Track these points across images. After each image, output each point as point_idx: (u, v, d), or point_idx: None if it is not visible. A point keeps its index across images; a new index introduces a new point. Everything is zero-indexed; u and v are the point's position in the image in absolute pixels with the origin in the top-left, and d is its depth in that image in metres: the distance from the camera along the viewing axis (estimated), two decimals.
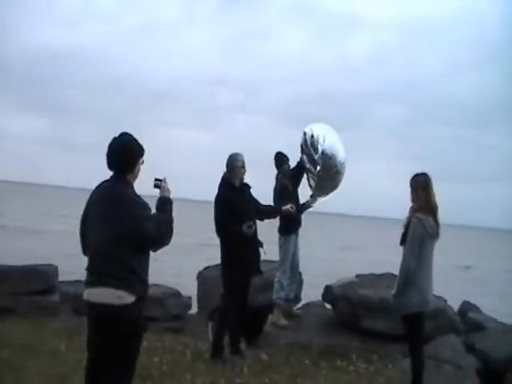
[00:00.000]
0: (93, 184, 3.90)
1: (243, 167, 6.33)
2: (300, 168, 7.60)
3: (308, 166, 7.48)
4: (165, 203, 3.88)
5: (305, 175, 7.59)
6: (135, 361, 3.74)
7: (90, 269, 3.74)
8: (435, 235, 5.11)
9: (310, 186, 7.60)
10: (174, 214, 3.88)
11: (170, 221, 3.80)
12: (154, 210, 3.81)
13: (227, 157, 6.35)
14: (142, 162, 3.85)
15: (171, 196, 3.95)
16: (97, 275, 3.66)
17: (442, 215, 5.18)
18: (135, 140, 3.81)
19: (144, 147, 3.85)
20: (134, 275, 3.62)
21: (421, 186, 5.13)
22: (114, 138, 3.78)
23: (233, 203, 6.12)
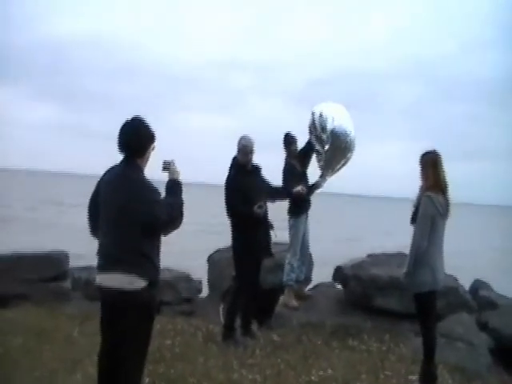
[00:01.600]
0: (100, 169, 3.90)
1: (252, 150, 6.31)
2: (308, 149, 7.56)
3: (317, 146, 7.44)
4: (174, 186, 3.87)
5: (314, 156, 7.56)
6: (148, 344, 3.75)
7: (101, 253, 3.74)
8: (445, 213, 5.07)
9: (320, 166, 7.57)
10: (185, 197, 3.87)
11: (180, 203, 3.80)
12: (163, 194, 3.80)
13: (238, 140, 6.33)
14: (153, 147, 3.84)
15: (180, 178, 3.94)
16: (108, 260, 3.67)
17: (454, 193, 5.14)
18: (147, 125, 3.79)
19: (155, 133, 3.82)
20: (145, 259, 3.62)
21: (430, 164, 5.07)
22: (126, 122, 3.76)
23: (243, 185, 6.13)
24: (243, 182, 6.17)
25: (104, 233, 3.73)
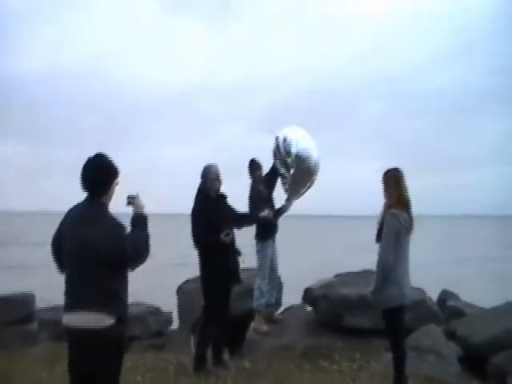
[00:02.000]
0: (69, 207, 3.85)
1: (218, 179, 6.34)
2: (273, 173, 7.64)
3: (282, 171, 7.52)
4: (139, 219, 3.84)
5: (279, 180, 7.64)
6: (117, 382, 3.70)
7: (68, 293, 3.68)
8: (410, 229, 5.16)
9: (285, 190, 7.65)
10: (153, 229, 3.86)
11: (146, 237, 3.77)
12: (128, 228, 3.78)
13: (202, 169, 6.36)
14: (117, 183, 3.82)
15: (145, 211, 3.90)
16: (75, 299, 3.62)
17: (422, 206, 5.26)
18: (109, 161, 3.77)
19: (118, 168, 3.80)
20: (112, 296, 3.59)
21: (392, 181, 5.17)
22: (88, 160, 3.74)
23: (209, 214, 6.13)
24: (209, 210, 6.18)
25: (69, 272, 3.68)
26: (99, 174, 3.71)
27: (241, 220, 6.62)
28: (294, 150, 7.27)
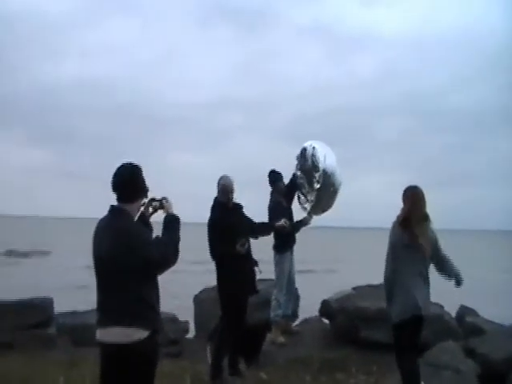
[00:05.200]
0: (98, 212, 3.88)
1: (233, 189, 6.38)
2: (293, 184, 7.66)
3: (302, 181, 7.54)
4: (171, 221, 3.84)
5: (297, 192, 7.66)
6: None
7: (99, 308, 3.69)
8: (413, 245, 5.15)
9: (300, 202, 7.65)
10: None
11: (176, 240, 3.74)
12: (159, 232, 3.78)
13: (218, 179, 6.41)
14: (144, 203, 3.86)
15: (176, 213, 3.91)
16: (107, 314, 3.61)
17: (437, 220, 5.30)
18: (143, 177, 3.80)
19: (148, 188, 3.84)
20: (144, 308, 3.57)
21: (406, 198, 5.29)
22: (123, 165, 3.77)
23: (225, 225, 6.15)
24: (225, 221, 6.20)
25: (100, 287, 3.68)
26: (131, 178, 3.73)
27: (257, 229, 6.63)
28: (321, 166, 7.24)
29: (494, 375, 6.59)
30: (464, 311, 8.84)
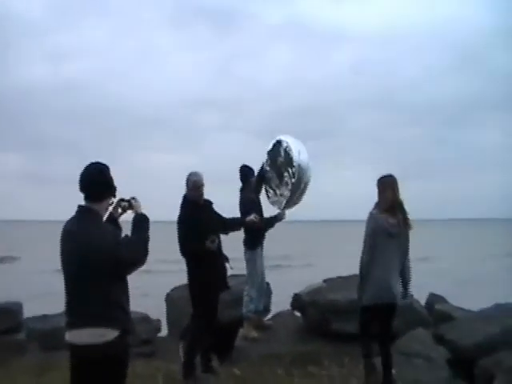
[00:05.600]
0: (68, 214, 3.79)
1: (203, 185, 6.35)
2: (261, 177, 7.65)
3: (270, 175, 7.54)
4: (140, 221, 3.82)
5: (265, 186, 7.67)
6: None
7: (68, 310, 3.64)
8: (393, 233, 5.27)
9: (269, 197, 7.65)
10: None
11: (145, 239, 3.71)
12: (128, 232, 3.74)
13: (186, 176, 6.36)
14: (112, 202, 3.81)
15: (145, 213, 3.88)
16: (76, 316, 3.57)
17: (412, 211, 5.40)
18: (109, 172, 3.76)
19: (116, 187, 3.79)
20: (114, 307, 3.54)
21: (383, 186, 5.38)
22: (91, 163, 3.74)
23: (195, 221, 6.13)
24: (194, 218, 6.17)
25: (68, 288, 3.64)
26: (99, 177, 3.70)
27: (227, 225, 6.63)
28: (296, 160, 7.21)
29: (464, 361, 6.71)
30: (433, 299, 8.98)
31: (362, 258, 5.37)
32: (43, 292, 17.07)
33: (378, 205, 5.36)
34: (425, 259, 28.05)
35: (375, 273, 5.28)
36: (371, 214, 5.33)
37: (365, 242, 5.35)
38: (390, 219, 5.25)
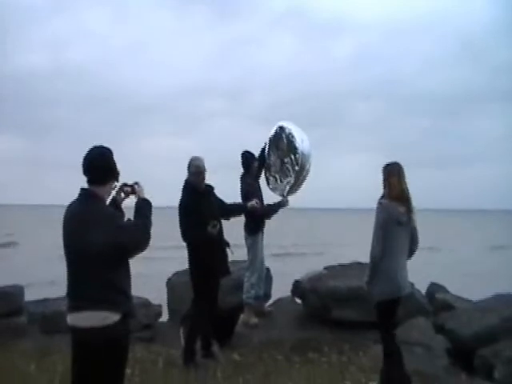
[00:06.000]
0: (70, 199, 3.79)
1: (205, 170, 6.32)
2: (262, 163, 7.64)
3: (272, 161, 7.52)
4: (143, 206, 3.81)
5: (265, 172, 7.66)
6: (123, 377, 3.69)
7: (70, 293, 3.63)
8: (403, 222, 5.14)
9: (269, 183, 7.64)
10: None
11: (147, 224, 3.71)
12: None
13: (188, 161, 6.34)
14: (115, 186, 3.81)
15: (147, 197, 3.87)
16: (78, 299, 3.56)
17: (416, 201, 5.28)
18: (113, 160, 3.74)
19: (119, 171, 3.76)
20: (115, 292, 3.53)
21: (389, 174, 5.23)
22: (94, 147, 3.72)
23: (197, 207, 6.11)
24: (196, 203, 6.16)
25: (70, 271, 3.63)
26: (102, 160, 3.67)
27: (228, 211, 6.63)
28: (300, 148, 7.20)
29: (463, 350, 6.74)
30: (434, 288, 8.99)
31: (373, 249, 5.11)
32: (42, 279, 17.10)
33: (385, 193, 5.21)
34: (430, 249, 28.11)
35: (387, 265, 5.09)
36: (381, 203, 5.15)
37: (376, 232, 5.12)
38: (399, 207, 5.13)
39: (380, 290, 5.14)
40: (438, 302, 8.28)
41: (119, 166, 3.79)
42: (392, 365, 5.15)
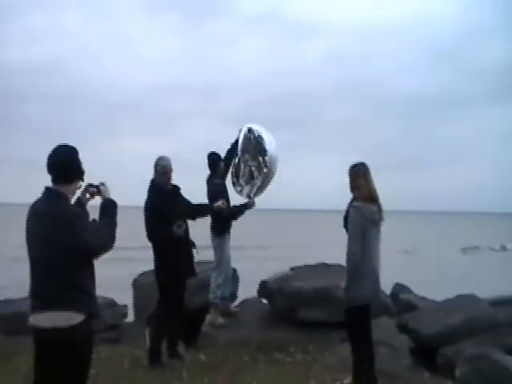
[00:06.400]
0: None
1: (171, 170, 6.30)
2: (228, 164, 7.65)
3: (239, 162, 7.53)
4: (108, 206, 3.80)
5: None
6: (87, 379, 3.64)
7: (33, 293, 3.58)
8: (377, 221, 5.11)
9: (234, 184, 7.66)
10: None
11: (113, 225, 3.70)
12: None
13: (155, 160, 6.30)
14: (80, 186, 3.77)
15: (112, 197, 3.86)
16: (42, 298, 3.51)
17: (385, 202, 5.26)
18: (79, 158, 3.70)
19: (84, 170, 3.73)
20: (79, 292, 3.49)
21: (356, 175, 5.17)
22: (60, 145, 3.68)
23: (163, 207, 6.08)
24: (161, 202, 6.13)
25: (33, 271, 3.57)
26: (67, 159, 3.64)
27: (194, 211, 6.61)
28: (268, 149, 7.22)
29: (426, 349, 6.86)
30: (398, 289, 9.14)
31: (353, 253, 4.96)
32: (3, 279, 16.72)
33: (357, 195, 5.12)
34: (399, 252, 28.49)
35: (368, 266, 4.98)
36: (355, 206, 5.03)
37: (355, 236, 4.97)
38: (372, 207, 5.06)
39: (363, 293, 5.00)
40: (401, 302, 8.41)
41: (85, 165, 3.75)
42: (365, 369, 5.14)
